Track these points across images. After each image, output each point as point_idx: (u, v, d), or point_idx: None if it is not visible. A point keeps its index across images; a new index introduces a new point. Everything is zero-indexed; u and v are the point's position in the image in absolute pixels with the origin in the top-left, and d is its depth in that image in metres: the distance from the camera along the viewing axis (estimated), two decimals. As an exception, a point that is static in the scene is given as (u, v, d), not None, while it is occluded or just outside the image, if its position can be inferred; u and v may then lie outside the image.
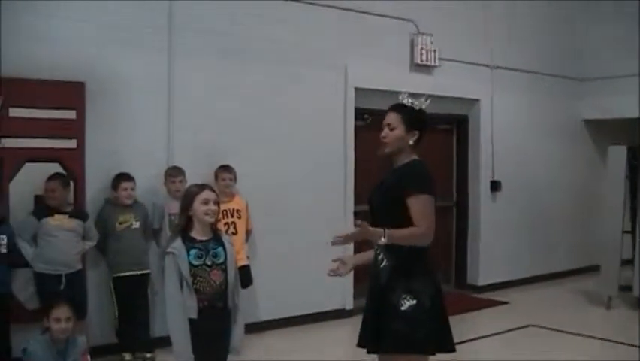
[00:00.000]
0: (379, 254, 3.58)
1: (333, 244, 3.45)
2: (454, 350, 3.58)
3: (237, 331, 3.88)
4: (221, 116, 6.83)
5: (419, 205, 3.42)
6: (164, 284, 3.76)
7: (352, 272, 7.49)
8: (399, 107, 3.63)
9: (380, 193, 3.62)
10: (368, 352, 3.60)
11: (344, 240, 3.46)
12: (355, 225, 3.39)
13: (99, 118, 6.09)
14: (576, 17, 10.65)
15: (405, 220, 3.43)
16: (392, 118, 3.61)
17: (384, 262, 3.54)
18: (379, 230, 3.39)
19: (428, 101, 3.66)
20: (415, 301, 3.40)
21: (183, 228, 3.78)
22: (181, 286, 3.68)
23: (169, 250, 3.72)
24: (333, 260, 3.80)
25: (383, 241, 3.37)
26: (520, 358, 6.43)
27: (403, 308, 3.40)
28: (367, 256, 3.79)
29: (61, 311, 4.54)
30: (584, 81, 10.67)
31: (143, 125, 6.41)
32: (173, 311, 3.69)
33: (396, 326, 3.41)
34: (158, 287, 6.31)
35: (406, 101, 3.63)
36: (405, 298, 3.41)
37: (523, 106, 9.91)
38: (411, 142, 3.58)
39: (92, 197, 6.08)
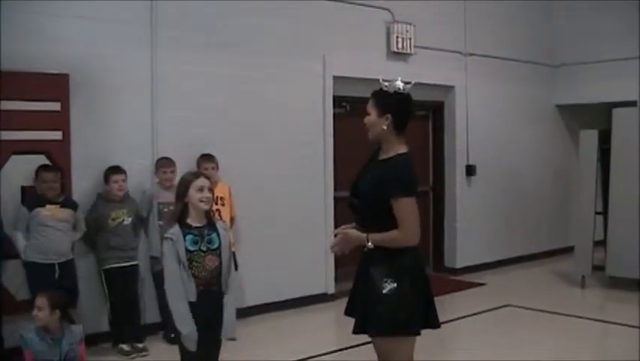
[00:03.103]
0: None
1: (333, 251, 3.83)
2: (438, 327, 3.70)
3: (227, 316, 3.93)
4: (204, 106, 6.89)
5: (400, 210, 3.47)
6: (164, 265, 3.85)
7: (333, 257, 7.75)
8: (375, 93, 3.66)
9: (364, 184, 3.63)
10: (354, 332, 3.65)
11: (339, 248, 3.70)
12: (335, 235, 3.69)
13: (84, 110, 6.12)
14: (549, 4, 10.83)
15: (389, 214, 3.49)
16: (369, 104, 3.67)
17: (369, 244, 3.56)
18: (362, 236, 3.55)
19: (409, 85, 3.62)
20: (395, 285, 3.47)
21: (179, 215, 3.89)
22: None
23: (167, 235, 3.82)
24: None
25: (369, 245, 3.51)
26: (498, 337, 6.60)
27: (384, 292, 3.47)
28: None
29: (39, 301, 4.60)
30: (557, 67, 10.88)
31: (128, 116, 6.45)
32: (174, 286, 3.79)
33: (379, 309, 3.48)
34: (144, 274, 6.43)
35: (385, 85, 3.62)
36: (386, 282, 3.48)
37: (497, 92, 10.07)
38: (384, 127, 3.57)
39: (77, 188, 6.08)
